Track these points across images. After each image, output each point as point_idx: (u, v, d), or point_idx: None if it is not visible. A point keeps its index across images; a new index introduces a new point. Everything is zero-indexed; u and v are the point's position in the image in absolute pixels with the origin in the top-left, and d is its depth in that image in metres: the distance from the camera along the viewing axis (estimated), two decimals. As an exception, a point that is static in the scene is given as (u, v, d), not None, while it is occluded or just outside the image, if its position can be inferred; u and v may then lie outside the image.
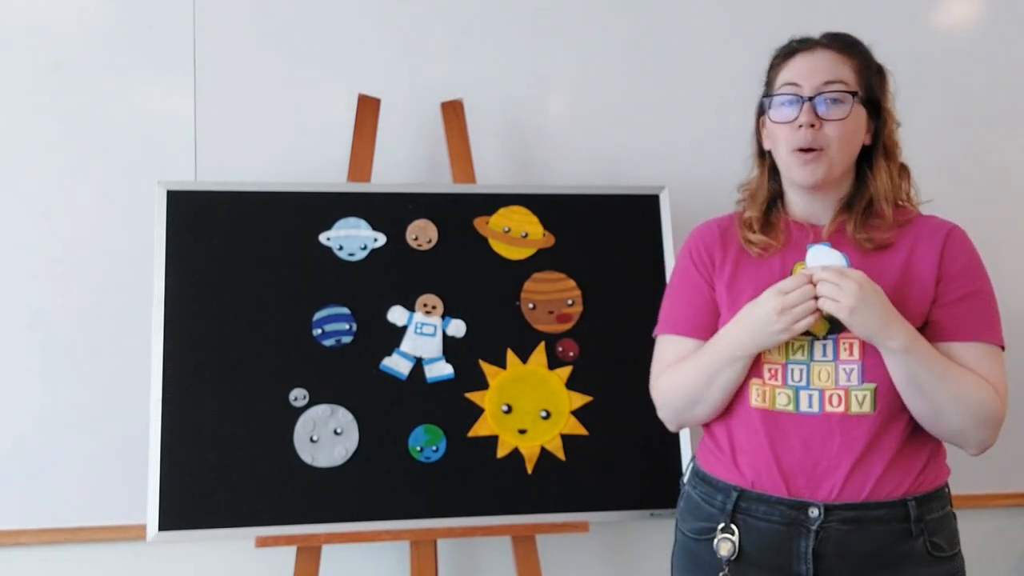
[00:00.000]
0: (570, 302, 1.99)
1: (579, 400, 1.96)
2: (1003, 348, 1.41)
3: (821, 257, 1.38)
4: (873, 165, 1.45)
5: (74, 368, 2.05)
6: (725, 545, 1.41)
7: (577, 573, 2.22)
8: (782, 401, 1.41)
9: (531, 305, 1.98)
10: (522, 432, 1.93)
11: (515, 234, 2.01)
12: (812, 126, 1.39)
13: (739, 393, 1.45)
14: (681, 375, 1.50)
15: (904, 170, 1.49)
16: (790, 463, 1.39)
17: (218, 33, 2.14)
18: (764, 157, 1.53)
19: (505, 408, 1.94)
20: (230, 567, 2.10)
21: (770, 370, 1.42)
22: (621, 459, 1.95)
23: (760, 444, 1.42)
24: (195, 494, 1.81)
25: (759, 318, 1.37)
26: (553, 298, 1.99)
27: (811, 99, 1.40)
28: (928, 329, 1.39)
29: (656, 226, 2.05)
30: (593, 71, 2.27)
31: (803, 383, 1.40)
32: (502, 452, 1.92)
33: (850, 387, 1.38)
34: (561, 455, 1.93)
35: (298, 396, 1.88)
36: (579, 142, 2.25)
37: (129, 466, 1.97)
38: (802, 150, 1.41)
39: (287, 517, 1.83)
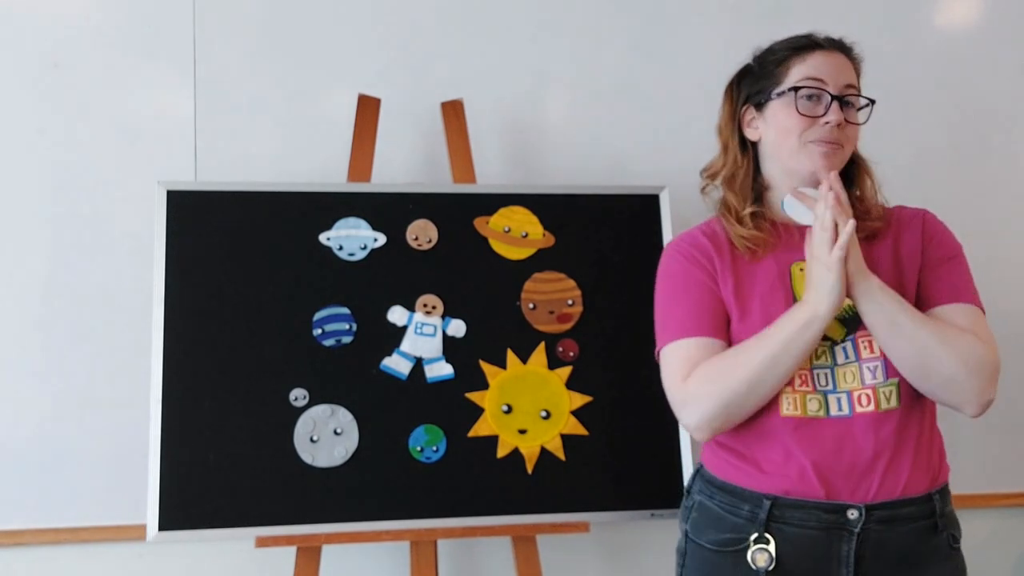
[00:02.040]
0: (570, 302, 1.99)
1: (579, 400, 1.96)
2: (983, 310, 1.44)
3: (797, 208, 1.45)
4: (859, 163, 1.52)
5: (74, 368, 2.05)
6: (762, 556, 1.38)
7: (577, 573, 2.22)
8: (813, 407, 1.40)
9: (531, 305, 1.98)
10: (522, 432, 1.93)
11: (515, 234, 2.01)
12: (838, 125, 1.41)
13: (766, 404, 1.41)
14: (728, 365, 1.39)
15: None
16: (826, 467, 1.38)
17: (218, 33, 2.14)
18: (746, 148, 1.53)
19: (505, 408, 1.94)
20: (230, 567, 2.10)
21: (799, 377, 1.41)
22: (621, 459, 1.95)
23: (792, 453, 1.39)
24: (195, 494, 1.81)
25: (812, 263, 1.36)
26: (553, 298, 1.99)
27: (839, 98, 1.42)
28: (917, 299, 1.43)
29: (656, 226, 2.05)
30: (593, 71, 2.27)
31: (830, 387, 1.40)
32: (502, 452, 1.92)
33: (876, 384, 1.39)
34: (561, 455, 1.93)
35: (298, 396, 1.88)
36: (579, 142, 2.25)
37: (129, 466, 1.97)
38: (825, 143, 1.42)
39: (287, 517, 1.83)
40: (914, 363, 1.36)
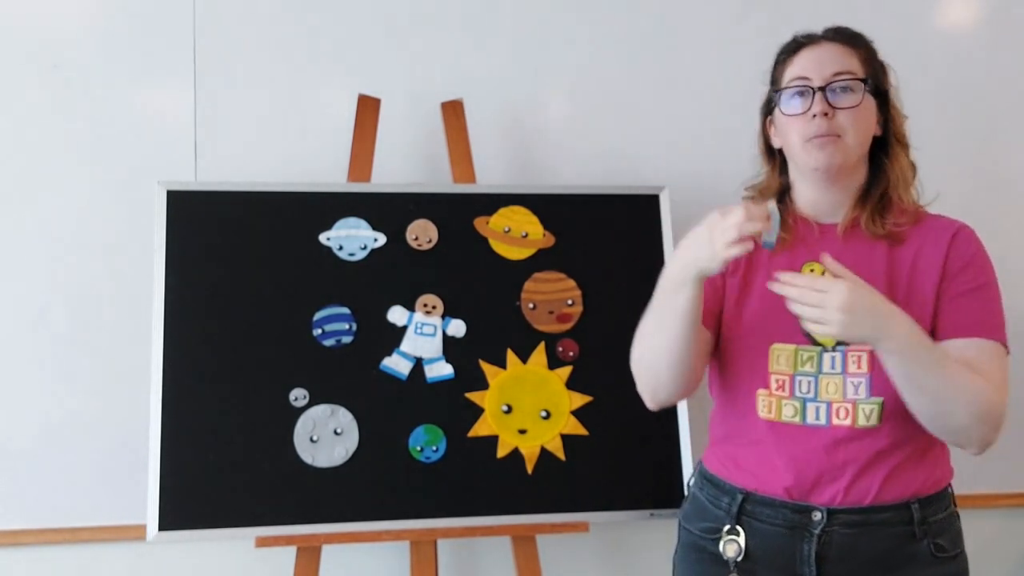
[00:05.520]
0: (570, 302, 1.99)
1: (579, 400, 1.96)
2: (1007, 347, 1.39)
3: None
4: (890, 154, 1.46)
5: (74, 368, 2.05)
6: (731, 546, 1.43)
7: (577, 573, 2.22)
8: (788, 412, 1.41)
9: (531, 305, 1.98)
10: (522, 432, 1.93)
11: (515, 234, 2.01)
12: (825, 115, 1.40)
13: (745, 403, 1.45)
14: (639, 334, 1.46)
15: (913, 165, 1.49)
16: (795, 471, 1.39)
17: (218, 33, 2.14)
18: (773, 155, 1.54)
19: (505, 408, 1.94)
20: (230, 567, 2.10)
21: (777, 381, 1.42)
22: (621, 459, 1.95)
23: (769, 453, 1.42)
24: (195, 494, 1.81)
25: (691, 237, 1.34)
26: (553, 298, 1.99)
27: (822, 89, 1.41)
28: (933, 326, 1.39)
29: (656, 226, 2.05)
30: (593, 71, 2.26)
31: (811, 395, 1.40)
32: (502, 452, 1.92)
33: (858, 400, 1.38)
34: (561, 455, 1.93)
35: (298, 396, 1.88)
36: (579, 142, 2.25)
37: (129, 466, 1.97)
38: (818, 136, 1.40)
39: (287, 517, 1.83)
40: (929, 414, 1.32)
